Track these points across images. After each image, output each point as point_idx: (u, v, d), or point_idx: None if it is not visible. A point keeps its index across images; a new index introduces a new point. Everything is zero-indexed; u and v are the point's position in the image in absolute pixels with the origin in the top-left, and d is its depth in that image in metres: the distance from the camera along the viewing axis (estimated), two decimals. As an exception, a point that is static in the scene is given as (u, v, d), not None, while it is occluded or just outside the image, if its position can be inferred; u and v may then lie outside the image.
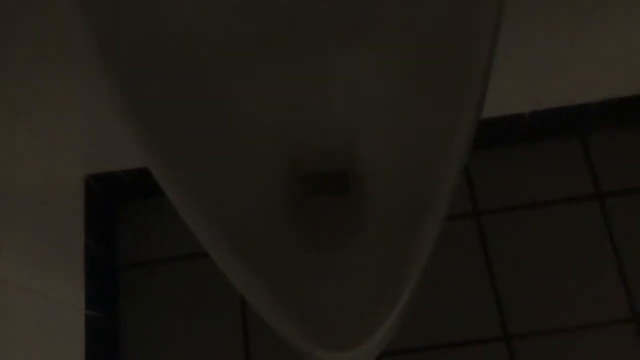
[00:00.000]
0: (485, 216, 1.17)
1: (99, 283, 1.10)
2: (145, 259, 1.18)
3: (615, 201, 1.17)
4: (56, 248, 1.00)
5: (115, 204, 1.21)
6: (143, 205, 1.21)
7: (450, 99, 0.51)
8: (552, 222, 1.16)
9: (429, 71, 0.56)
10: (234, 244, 0.49)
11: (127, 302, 1.15)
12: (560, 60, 0.99)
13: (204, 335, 1.13)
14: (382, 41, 0.58)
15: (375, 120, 0.62)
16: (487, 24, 0.48)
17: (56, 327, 0.95)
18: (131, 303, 1.15)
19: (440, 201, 0.50)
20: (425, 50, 0.56)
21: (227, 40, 0.53)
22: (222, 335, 1.13)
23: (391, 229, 0.57)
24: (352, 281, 0.52)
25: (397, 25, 0.57)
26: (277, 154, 0.59)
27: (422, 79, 0.57)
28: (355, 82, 0.61)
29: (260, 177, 0.60)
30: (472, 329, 1.11)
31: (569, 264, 1.13)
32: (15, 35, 0.77)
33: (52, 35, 0.77)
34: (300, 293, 0.50)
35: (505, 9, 0.49)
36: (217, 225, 0.48)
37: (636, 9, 0.88)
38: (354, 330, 0.46)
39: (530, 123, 1.16)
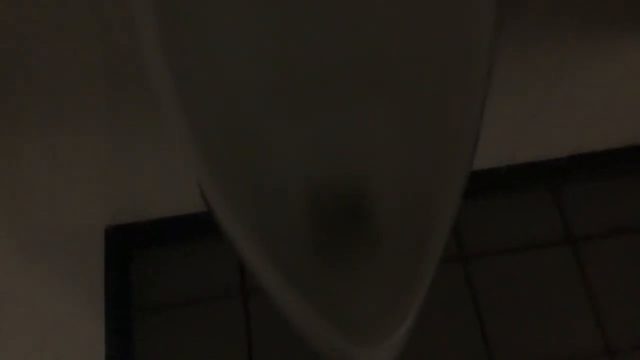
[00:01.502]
0: (471, 259, 1.29)
1: (116, 324, 1.17)
2: (157, 303, 1.26)
3: (585, 245, 1.29)
4: (82, 290, 1.08)
5: (131, 251, 1.30)
6: (156, 253, 1.30)
7: (449, 145, 0.64)
8: (531, 265, 1.28)
9: (429, 122, 0.68)
10: (276, 264, 0.59)
11: (141, 344, 1.22)
12: (532, 119, 1.13)
13: (213, 375, 1.21)
14: (390, 97, 0.71)
15: (384, 160, 0.75)
16: (477, 87, 0.61)
17: (81, 363, 1.02)
18: (144, 345, 1.22)
19: (441, 229, 0.61)
20: (426, 104, 0.69)
21: (268, 98, 0.66)
22: (231, 374, 1.20)
23: (399, 250, 0.68)
24: (371, 291, 0.63)
25: (401, 85, 0.70)
26: (304, 189, 0.71)
27: (424, 128, 0.69)
28: (367, 129, 0.74)
29: (291, 209, 0.71)
30: (462, 363, 1.21)
31: (548, 303, 1.24)
32: (58, 94, 0.85)
33: (91, 97, 0.87)
34: (329, 300, 0.60)
35: (492, 77, 0.62)
36: (263, 249, 0.58)
37: (599, 73, 1.03)
38: (378, 330, 0.56)
39: (507, 175, 1.30)
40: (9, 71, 0.79)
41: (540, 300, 1.25)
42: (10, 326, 0.81)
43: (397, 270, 0.63)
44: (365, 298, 0.62)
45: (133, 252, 1.31)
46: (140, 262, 1.30)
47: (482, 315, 1.24)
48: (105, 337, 1.12)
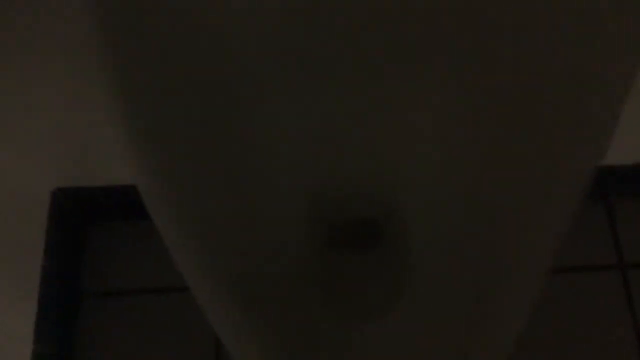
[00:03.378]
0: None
1: (54, 312, 0.97)
2: (111, 289, 1.07)
3: (637, 274, 1.13)
4: (7, 267, 0.88)
5: (85, 223, 1.09)
6: (117, 227, 1.09)
7: (545, 164, 0.40)
8: (573, 287, 1.12)
9: (520, 123, 0.43)
10: (248, 307, 0.38)
11: (86, 337, 1.04)
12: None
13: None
14: (456, 72, 0.45)
15: (429, 169, 0.49)
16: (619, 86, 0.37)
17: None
18: (90, 338, 1.04)
19: (518, 260, 0.40)
20: (522, 95, 0.43)
21: (263, 56, 0.41)
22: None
23: (444, 295, 0.45)
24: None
25: (481, 57, 0.43)
26: (303, 202, 0.47)
27: (508, 132, 0.44)
28: (409, 119, 0.48)
29: (276, 225, 0.47)
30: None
31: (589, 328, 1.10)
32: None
33: (35, 43, 0.69)
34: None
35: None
36: (227, 284, 0.37)
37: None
38: None
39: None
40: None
41: (582, 324, 1.10)
42: None
43: (435, 331, 0.41)
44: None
45: (85, 224, 1.10)
46: (93, 237, 1.09)
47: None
48: (35, 328, 0.91)
